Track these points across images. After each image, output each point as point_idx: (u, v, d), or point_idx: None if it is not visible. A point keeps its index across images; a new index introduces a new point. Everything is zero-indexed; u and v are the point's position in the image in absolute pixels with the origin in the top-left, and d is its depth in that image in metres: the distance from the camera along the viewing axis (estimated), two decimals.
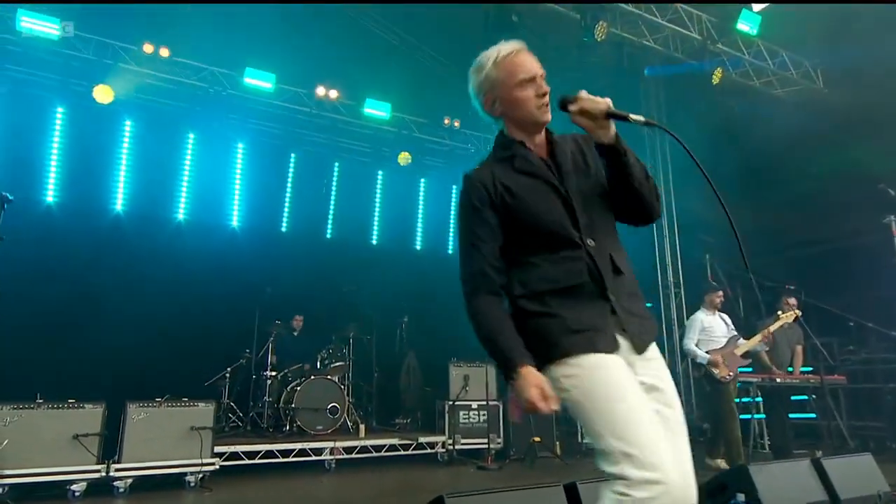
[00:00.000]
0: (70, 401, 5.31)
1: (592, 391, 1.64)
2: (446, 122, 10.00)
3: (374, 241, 10.41)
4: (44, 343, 6.44)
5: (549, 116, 1.86)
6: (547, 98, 1.83)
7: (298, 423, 6.96)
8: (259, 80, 8.17)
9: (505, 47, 1.86)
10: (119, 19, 7.17)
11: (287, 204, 9.32)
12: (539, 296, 1.75)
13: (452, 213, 10.91)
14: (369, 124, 9.47)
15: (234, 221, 8.46)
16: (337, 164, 9.99)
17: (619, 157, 1.76)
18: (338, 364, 7.83)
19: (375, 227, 10.46)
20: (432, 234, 10.86)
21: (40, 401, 5.19)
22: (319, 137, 9.37)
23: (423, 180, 10.99)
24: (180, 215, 8.18)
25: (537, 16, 7.50)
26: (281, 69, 8.25)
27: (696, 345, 6.41)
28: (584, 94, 1.73)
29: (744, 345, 6.39)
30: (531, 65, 1.84)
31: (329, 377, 7.37)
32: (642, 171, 1.83)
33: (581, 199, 1.83)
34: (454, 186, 10.77)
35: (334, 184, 9.85)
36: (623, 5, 7.49)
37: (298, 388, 7.04)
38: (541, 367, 1.71)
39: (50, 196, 7.42)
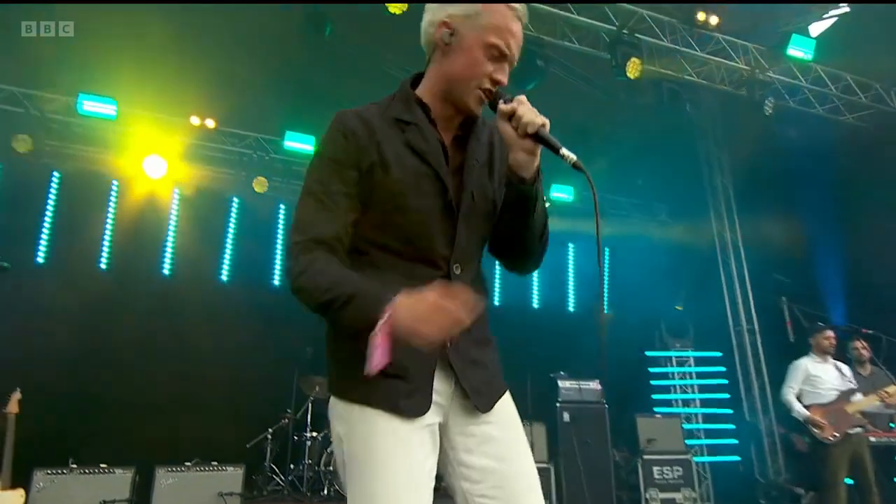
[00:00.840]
0: (102, 466, 5.36)
1: (362, 463, 1.31)
2: None
3: None
4: (78, 406, 6.62)
5: (479, 111, 1.49)
6: (495, 90, 1.43)
7: (337, 486, 6.73)
8: (299, 143, 8.42)
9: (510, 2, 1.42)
10: (168, 95, 7.67)
11: None
12: None
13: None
14: None
15: (276, 280, 8.59)
16: None
17: (527, 200, 1.42)
18: None
19: None
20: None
21: (73, 466, 5.27)
22: None
23: None
24: (224, 276, 8.38)
25: (567, 57, 7.36)
26: (320, 131, 8.47)
27: (799, 396, 5.56)
28: (524, 98, 1.38)
29: (859, 402, 5.41)
30: (512, 40, 1.42)
31: None
32: (542, 222, 1.49)
33: (469, 214, 1.46)
34: None
35: None
36: (657, 41, 7.20)
37: None
38: (332, 393, 1.42)
39: (103, 263, 7.82)
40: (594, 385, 8.02)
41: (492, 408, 1.47)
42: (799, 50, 7.56)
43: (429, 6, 1.50)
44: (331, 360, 1.48)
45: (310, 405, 7.47)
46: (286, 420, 7.46)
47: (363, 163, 1.42)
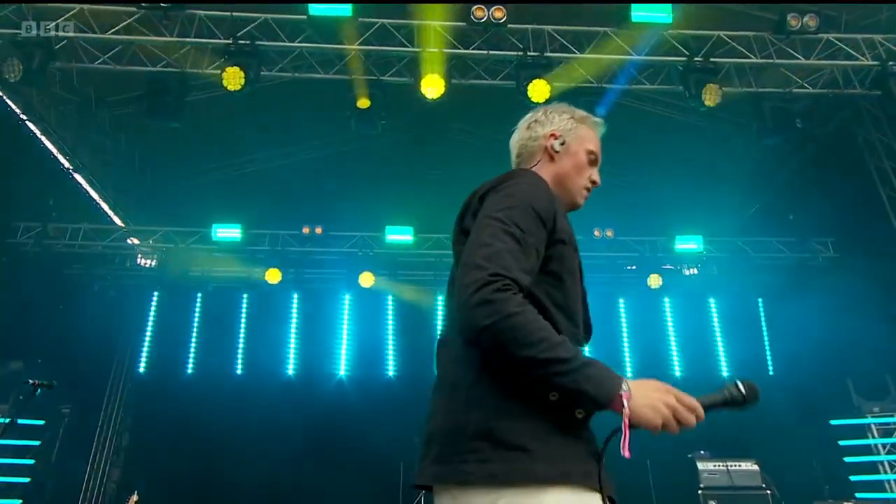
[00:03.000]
0: None
1: None
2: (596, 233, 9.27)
3: None
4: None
5: (581, 204, 1.70)
6: (591, 189, 1.70)
7: None
8: (400, 235, 8.80)
9: (595, 118, 1.75)
10: (282, 211, 8.68)
11: None
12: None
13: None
14: None
15: (391, 371, 8.76)
16: None
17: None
18: None
19: None
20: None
21: None
22: None
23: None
24: (341, 371, 8.77)
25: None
26: (418, 223, 8.84)
27: None
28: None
29: None
30: (599, 148, 1.72)
31: None
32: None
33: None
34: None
35: None
36: (743, 60, 6.38)
37: None
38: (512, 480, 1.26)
39: (239, 368, 8.72)
40: (749, 466, 6.63)
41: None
42: None
43: (526, 119, 1.76)
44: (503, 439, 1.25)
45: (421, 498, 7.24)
46: None
47: (550, 229, 1.44)
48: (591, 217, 9.20)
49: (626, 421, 1.21)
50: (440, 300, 9.62)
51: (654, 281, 9.14)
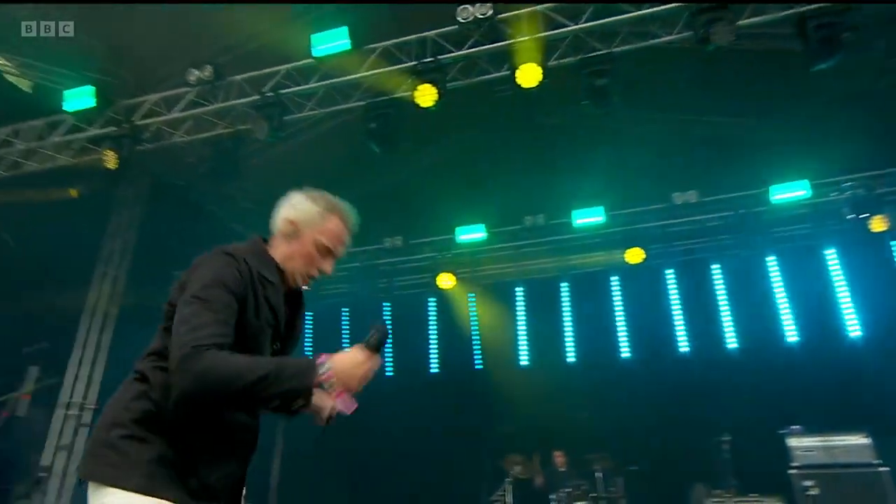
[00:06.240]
0: None
1: None
2: None
3: None
4: None
5: (303, 286, 1.96)
6: (316, 276, 1.95)
7: None
8: (471, 234, 9.12)
9: (342, 216, 1.97)
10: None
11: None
12: None
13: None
14: None
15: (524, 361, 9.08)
16: None
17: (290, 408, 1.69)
18: None
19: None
20: None
21: None
22: None
23: None
24: (435, 369, 9.32)
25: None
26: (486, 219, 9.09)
27: None
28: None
29: None
30: (342, 243, 1.97)
31: None
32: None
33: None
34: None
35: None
36: None
37: None
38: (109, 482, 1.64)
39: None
40: (857, 439, 5.76)
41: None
42: None
43: (287, 198, 2.01)
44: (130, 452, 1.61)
45: None
46: None
47: (248, 300, 1.78)
48: (668, 184, 8.59)
49: (337, 391, 1.65)
50: (519, 291, 9.73)
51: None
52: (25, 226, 8.12)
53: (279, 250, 1.93)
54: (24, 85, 8.07)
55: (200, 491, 1.64)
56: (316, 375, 1.59)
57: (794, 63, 6.25)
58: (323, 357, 1.64)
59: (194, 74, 6.66)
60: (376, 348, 1.73)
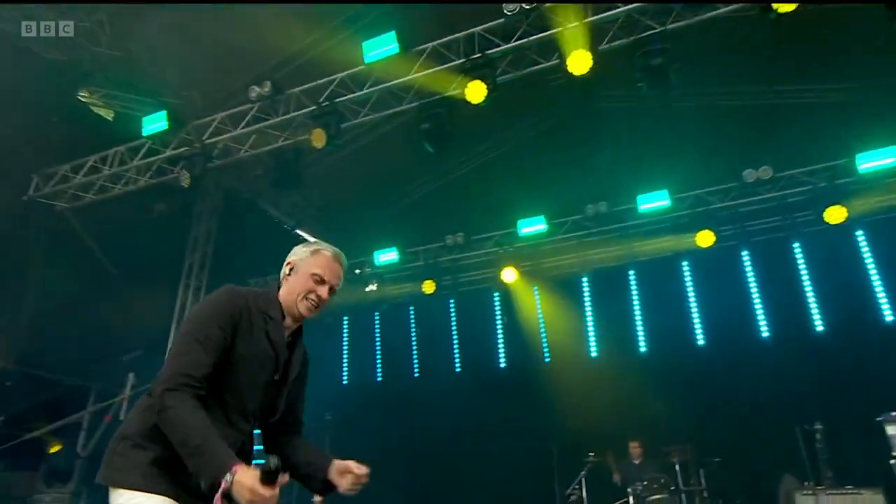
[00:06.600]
0: None
1: None
2: None
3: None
4: None
5: (306, 314, 2.21)
6: (319, 307, 2.22)
7: None
8: (533, 227, 9.04)
9: (329, 252, 2.27)
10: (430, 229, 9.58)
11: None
12: None
13: None
14: None
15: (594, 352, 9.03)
16: None
17: None
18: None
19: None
20: None
21: None
22: None
23: None
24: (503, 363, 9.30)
25: None
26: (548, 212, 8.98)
27: None
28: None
29: None
30: (333, 273, 2.24)
31: None
32: None
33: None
34: None
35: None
36: None
37: None
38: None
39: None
40: None
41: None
42: None
43: (295, 250, 2.34)
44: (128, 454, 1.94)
45: None
46: None
47: (237, 332, 2.08)
48: (737, 161, 8.16)
49: (219, 496, 1.73)
50: (584, 281, 9.53)
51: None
52: (116, 242, 8.84)
53: (283, 290, 2.25)
54: (107, 115, 8.75)
55: (197, 488, 1.81)
56: (220, 478, 1.73)
57: (872, 18, 5.80)
58: (237, 468, 1.74)
59: (255, 91, 7.01)
60: (268, 481, 1.72)
